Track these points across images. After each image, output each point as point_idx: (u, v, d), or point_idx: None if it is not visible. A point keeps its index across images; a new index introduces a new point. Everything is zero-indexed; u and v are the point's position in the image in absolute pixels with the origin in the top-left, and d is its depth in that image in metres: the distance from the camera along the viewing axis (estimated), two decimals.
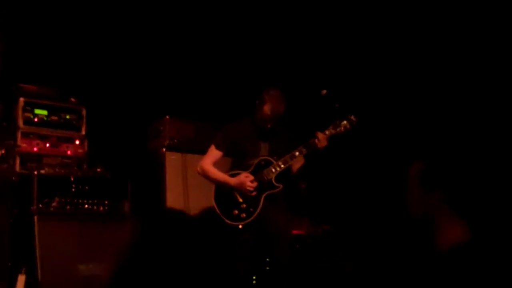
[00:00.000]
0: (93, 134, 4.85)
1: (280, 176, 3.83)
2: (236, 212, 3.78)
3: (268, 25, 5.58)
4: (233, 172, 3.89)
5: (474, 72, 4.53)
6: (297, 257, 4.65)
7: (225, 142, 3.97)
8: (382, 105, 5.05)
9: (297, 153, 3.80)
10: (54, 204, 4.25)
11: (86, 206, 4.39)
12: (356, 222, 5.13)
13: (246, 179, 3.78)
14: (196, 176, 4.31)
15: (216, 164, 3.98)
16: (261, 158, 3.87)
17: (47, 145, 4.59)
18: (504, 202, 3.45)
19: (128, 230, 4.33)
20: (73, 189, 4.37)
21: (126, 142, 5.34)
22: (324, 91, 3.86)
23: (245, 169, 3.86)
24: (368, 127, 4.29)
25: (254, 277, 4.41)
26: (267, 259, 4.10)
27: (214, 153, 3.98)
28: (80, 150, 4.74)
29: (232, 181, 3.82)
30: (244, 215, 3.77)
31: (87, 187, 4.44)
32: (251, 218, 3.76)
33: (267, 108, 3.79)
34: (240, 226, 3.76)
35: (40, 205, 4.18)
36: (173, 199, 5.02)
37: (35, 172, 4.25)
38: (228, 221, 3.77)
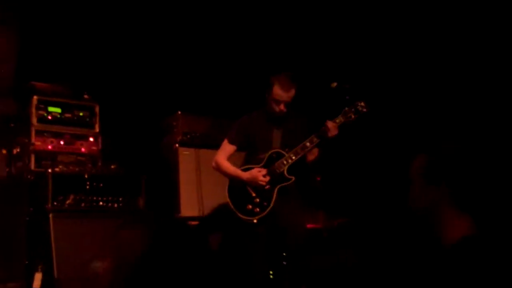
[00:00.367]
0: (106, 131, 4.87)
1: (293, 169, 3.79)
2: (250, 206, 3.76)
3: (280, 21, 5.56)
4: (245, 166, 3.87)
5: (479, 66, 4.49)
6: (313, 251, 4.61)
7: (238, 136, 3.94)
8: (390, 98, 5.01)
9: (308, 144, 3.76)
10: (69, 201, 4.27)
11: (101, 203, 4.41)
12: (369, 215, 5.09)
13: (258, 173, 3.75)
14: (209, 172, 4.30)
15: (230, 158, 3.96)
16: (273, 151, 3.83)
17: (61, 142, 4.63)
18: (509, 196, 3.39)
19: (142, 226, 4.34)
20: (87, 187, 4.39)
21: (139, 139, 5.35)
22: (334, 84, 3.82)
23: (257, 163, 3.83)
24: (375, 121, 4.26)
25: (271, 272, 4.38)
26: (284, 254, 4.07)
27: (227, 148, 3.96)
28: (94, 147, 4.76)
29: (245, 175, 3.79)
30: (258, 209, 3.75)
31: (101, 184, 4.45)
32: (265, 212, 3.73)
33: (276, 91, 3.76)
34: (255, 221, 3.74)
35: (55, 203, 4.20)
36: (187, 194, 5.02)
37: (50, 170, 4.26)
38: (243, 216, 3.75)
